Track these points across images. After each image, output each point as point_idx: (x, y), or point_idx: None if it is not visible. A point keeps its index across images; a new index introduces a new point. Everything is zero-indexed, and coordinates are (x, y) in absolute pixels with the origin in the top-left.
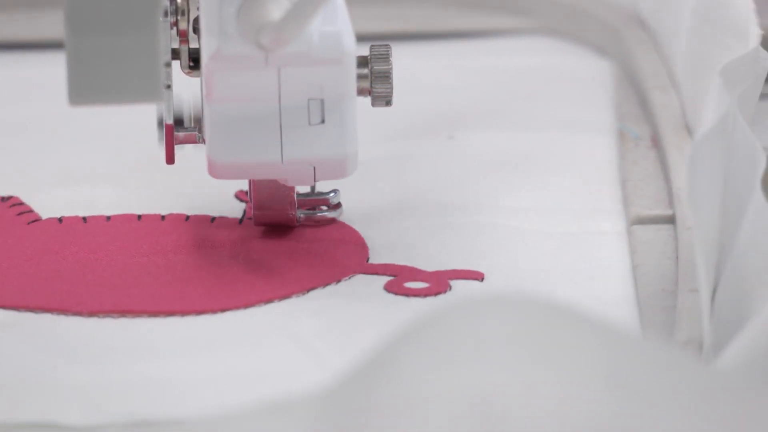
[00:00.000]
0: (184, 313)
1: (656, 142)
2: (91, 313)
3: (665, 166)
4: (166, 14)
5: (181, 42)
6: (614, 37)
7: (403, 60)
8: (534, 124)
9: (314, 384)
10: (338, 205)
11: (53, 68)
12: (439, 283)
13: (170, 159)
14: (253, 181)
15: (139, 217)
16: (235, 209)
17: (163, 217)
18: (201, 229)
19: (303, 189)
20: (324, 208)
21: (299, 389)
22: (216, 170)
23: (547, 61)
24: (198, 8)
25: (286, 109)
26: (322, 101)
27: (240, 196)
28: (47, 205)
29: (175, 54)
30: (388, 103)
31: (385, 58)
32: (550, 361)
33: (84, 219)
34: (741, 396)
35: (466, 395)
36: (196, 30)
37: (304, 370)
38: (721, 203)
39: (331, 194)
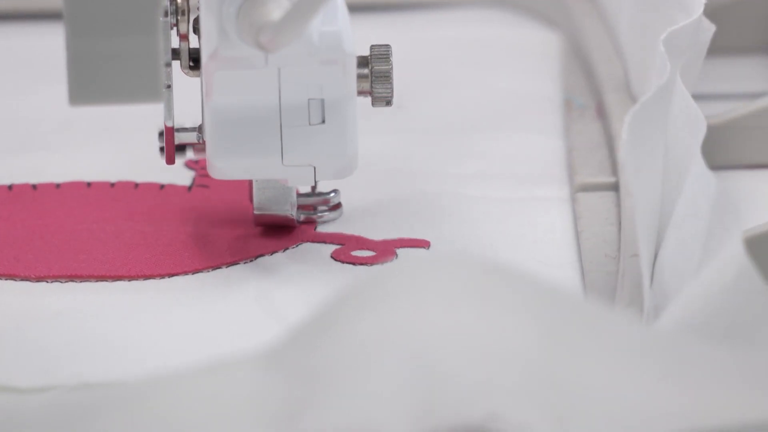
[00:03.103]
0: (131, 277)
1: (601, 112)
2: (39, 278)
3: (609, 135)
4: (166, 14)
5: (181, 42)
6: (561, 9)
7: (354, 30)
8: (482, 93)
9: (258, 344)
10: (338, 205)
11: (10, 39)
12: (385, 251)
13: (170, 159)
14: (253, 181)
15: (89, 184)
16: (184, 177)
17: (112, 185)
18: (150, 197)
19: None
20: (323, 208)
21: (244, 349)
22: (216, 170)
23: (495, 32)
24: (198, 8)
25: (286, 109)
26: (322, 101)
27: (189, 164)
28: None
29: (175, 54)
30: (389, 103)
31: (386, 58)
32: (490, 318)
33: (34, 186)
34: (678, 355)
35: (407, 352)
36: (196, 30)
37: (249, 332)
38: (663, 169)
39: (331, 194)
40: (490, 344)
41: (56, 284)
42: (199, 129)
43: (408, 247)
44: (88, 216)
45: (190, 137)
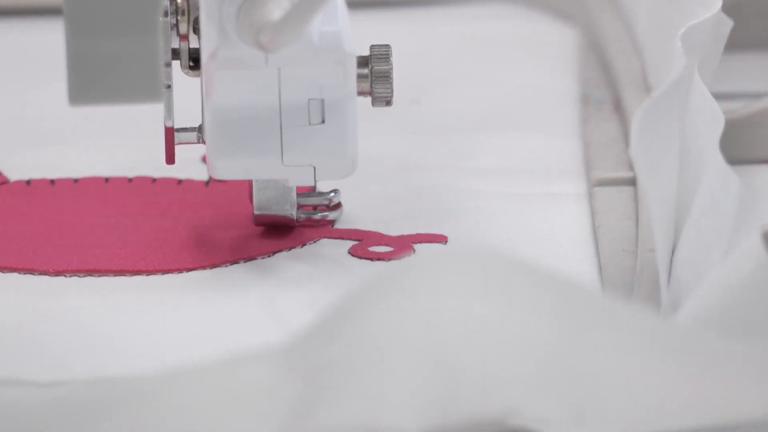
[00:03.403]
0: (149, 272)
1: (618, 106)
2: (58, 272)
3: (627, 130)
4: (166, 14)
5: (181, 42)
6: (578, 4)
7: (369, 26)
8: (498, 89)
9: (275, 341)
10: (338, 205)
11: (26, 35)
12: (402, 246)
13: (170, 159)
14: (254, 181)
15: (107, 179)
16: (201, 172)
17: (130, 180)
18: (168, 192)
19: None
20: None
21: (260, 345)
22: (216, 170)
23: (513, 27)
24: (198, 8)
25: (286, 109)
26: (322, 101)
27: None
28: (15, 167)
29: (175, 54)
30: (388, 103)
31: (386, 58)
32: (507, 312)
33: (52, 181)
34: (696, 350)
35: (423, 347)
36: (196, 30)
37: (266, 328)
38: (680, 164)
39: (332, 194)
40: (507, 338)
41: (74, 279)
42: (199, 129)
43: (425, 242)
44: (105, 211)
45: (190, 137)
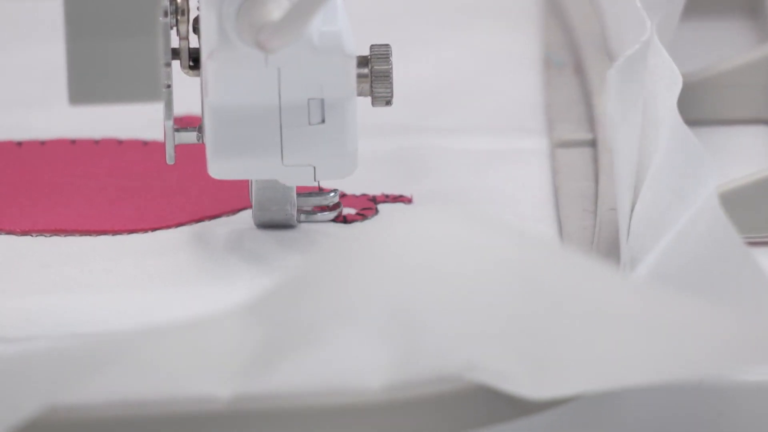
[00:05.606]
0: (115, 232)
1: (579, 69)
2: (24, 232)
3: (587, 92)
4: (166, 14)
5: (180, 42)
6: None
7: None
8: (462, 52)
9: (238, 295)
10: (338, 205)
11: None
12: (366, 207)
13: (171, 158)
14: (253, 181)
15: (74, 141)
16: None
17: (96, 142)
18: (133, 153)
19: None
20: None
21: (225, 302)
22: (216, 170)
23: None
24: (198, 8)
25: (286, 109)
26: (322, 101)
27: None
28: None
29: (175, 54)
30: (388, 103)
31: (385, 58)
32: (470, 269)
33: (19, 143)
34: (653, 305)
35: (387, 303)
36: (196, 30)
37: (230, 283)
38: (641, 125)
39: (331, 194)
40: (468, 295)
41: (41, 238)
42: (199, 129)
43: (389, 202)
44: (72, 172)
45: (190, 137)
